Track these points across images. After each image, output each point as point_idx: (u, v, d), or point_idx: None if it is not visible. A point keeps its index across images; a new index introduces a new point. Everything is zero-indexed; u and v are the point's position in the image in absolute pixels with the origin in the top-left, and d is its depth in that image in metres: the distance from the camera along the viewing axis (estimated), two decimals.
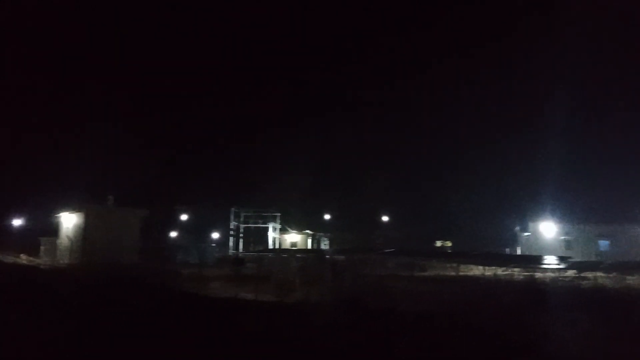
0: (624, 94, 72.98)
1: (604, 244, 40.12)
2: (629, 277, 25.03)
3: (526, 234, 42.40)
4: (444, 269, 30.81)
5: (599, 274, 26.46)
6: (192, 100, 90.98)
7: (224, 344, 9.24)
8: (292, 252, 36.78)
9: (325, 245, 51.68)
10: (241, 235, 46.08)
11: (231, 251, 43.68)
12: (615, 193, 47.40)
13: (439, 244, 49.27)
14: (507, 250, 42.36)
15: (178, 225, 50.69)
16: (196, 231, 48.79)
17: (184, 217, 51.09)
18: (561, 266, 28.88)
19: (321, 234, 52.60)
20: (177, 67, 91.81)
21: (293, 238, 50.45)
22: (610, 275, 25.87)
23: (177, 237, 49.40)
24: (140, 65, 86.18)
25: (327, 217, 56.52)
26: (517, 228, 43.45)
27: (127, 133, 65.13)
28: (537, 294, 18.12)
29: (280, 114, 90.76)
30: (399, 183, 64.93)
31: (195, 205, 51.55)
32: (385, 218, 55.31)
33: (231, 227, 45.66)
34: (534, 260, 31.41)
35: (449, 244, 49.03)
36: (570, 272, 27.50)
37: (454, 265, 30.20)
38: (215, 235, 53.43)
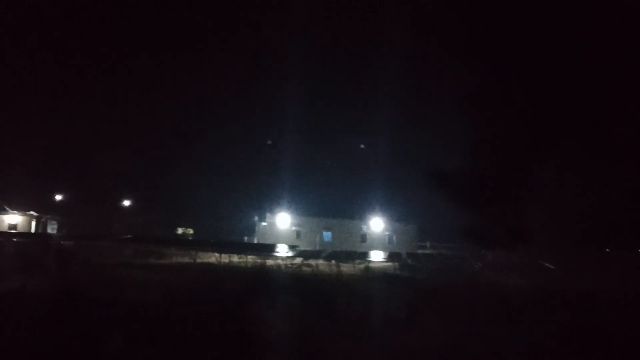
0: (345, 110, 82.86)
1: (327, 235, 45.45)
2: (342, 265, 28.80)
3: (264, 223, 45.10)
4: (183, 257, 30.50)
5: (320, 261, 29.62)
6: None
7: None
8: (8, 236, 31.94)
9: (53, 229, 46.10)
10: None
11: None
12: (337, 192, 54.00)
13: (180, 231, 48.70)
14: (246, 238, 44.42)
15: None
16: None
17: None
18: (290, 254, 31.48)
19: (49, 216, 46.60)
20: None
21: (13, 219, 43.59)
22: (330, 262, 29.32)
23: None
24: None
25: (58, 197, 50.15)
26: (256, 218, 45.94)
27: None
28: (264, 280, 19.26)
29: None
30: (141, 166, 61.74)
31: None
32: (126, 202, 52.00)
33: None
34: (268, 249, 33.49)
35: (190, 231, 48.87)
36: (298, 260, 30.16)
37: (192, 252, 30.10)
38: None
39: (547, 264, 27.14)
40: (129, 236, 33.49)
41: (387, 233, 47.36)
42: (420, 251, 42.06)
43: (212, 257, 29.83)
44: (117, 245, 30.62)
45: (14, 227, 43.26)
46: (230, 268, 25.27)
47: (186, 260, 29.20)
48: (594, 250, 25.48)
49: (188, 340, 8.40)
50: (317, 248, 40.11)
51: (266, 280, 18.80)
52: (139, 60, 71.25)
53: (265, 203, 45.84)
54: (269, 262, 29.18)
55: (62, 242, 29.50)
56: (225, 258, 28.97)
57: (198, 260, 28.62)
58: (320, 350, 8.13)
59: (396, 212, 47.63)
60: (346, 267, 27.91)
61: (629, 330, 10.77)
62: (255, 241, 42.83)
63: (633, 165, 12.94)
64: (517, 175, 12.61)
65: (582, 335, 10.23)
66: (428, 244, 46.52)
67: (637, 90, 10.81)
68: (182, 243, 37.74)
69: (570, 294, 16.68)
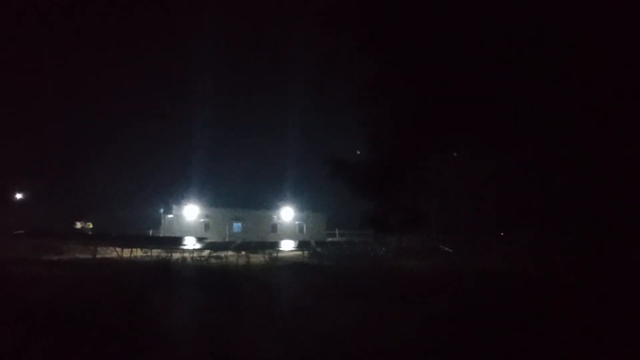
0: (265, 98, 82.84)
1: (237, 226, 44.95)
2: (252, 255, 28.80)
3: (170, 216, 43.65)
4: (81, 252, 28.85)
5: (229, 253, 29.37)
6: None
7: None
8: None
9: None
10: None
11: None
12: (247, 182, 53.59)
13: (79, 225, 45.76)
14: (151, 232, 42.69)
15: None
16: None
17: None
18: (198, 246, 30.86)
19: None
20: None
21: None
22: (239, 254, 29.16)
23: None
24: None
25: None
26: (161, 210, 44.35)
27: None
28: (169, 274, 18.77)
29: None
30: (39, 157, 57.27)
31: None
32: (19, 195, 48.01)
33: None
34: (174, 242, 32.53)
35: (90, 225, 46.13)
36: (206, 252, 29.67)
37: (92, 247, 28.55)
38: None
39: (446, 248, 28.97)
40: (23, 231, 30.96)
41: (297, 222, 47.83)
42: (329, 239, 42.98)
43: (114, 252, 28.51)
44: (10, 240, 28.27)
45: None
46: (132, 263, 24.30)
47: (85, 255, 27.65)
48: (489, 233, 27.49)
49: (82, 338, 8.04)
50: (227, 239, 39.62)
51: (171, 275, 18.35)
52: (44, 49, 66.07)
53: (172, 194, 44.41)
54: (175, 255, 28.45)
55: None
56: (127, 253, 27.80)
57: (98, 256, 27.22)
58: (223, 339, 8.14)
59: (306, 201, 48.29)
60: (256, 258, 27.95)
61: (516, 304, 11.90)
62: (161, 234, 41.29)
63: (525, 153, 14.12)
64: (414, 163, 13.30)
65: (472, 309, 11.15)
66: (337, 232, 47.59)
67: (532, 81, 11.57)
68: (81, 237, 35.60)
69: (464, 274, 18.02)
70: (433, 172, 14.60)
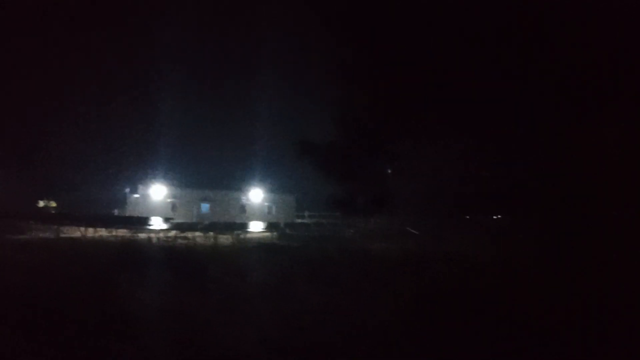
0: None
1: (205, 206, 44.50)
2: (220, 236, 28.59)
3: (136, 195, 42.84)
4: (45, 231, 28.11)
5: (197, 233, 29.08)
6: None
7: None
8: None
9: None
10: None
11: None
12: (216, 162, 53.02)
13: (42, 204, 44.47)
14: (116, 211, 41.87)
15: None
16: None
17: None
18: (165, 227, 30.45)
19: None
20: None
21: None
22: (207, 235, 28.89)
23: None
24: None
25: None
26: (127, 190, 43.47)
27: None
28: (135, 254, 18.49)
29: None
30: None
31: None
32: None
33: None
34: (140, 222, 32.02)
35: (53, 204, 44.88)
36: (173, 233, 29.29)
37: (55, 227, 27.83)
38: None
39: (413, 230, 29.41)
40: None
41: (266, 204, 47.72)
42: (298, 221, 43.10)
43: (78, 232, 27.86)
44: None
45: None
46: (97, 243, 23.82)
47: (48, 235, 26.95)
48: (456, 217, 28.09)
49: (42, 321, 7.84)
50: (195, 220, 39.23)
51: (136, 255, 18.08)
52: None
53: (138, 174, 43.51)
54: (141, 235, 28.02)
55: None
56: (92, 232, 27.22)
57: (62, 235, 26.55)
58: (187, 321, 8.07)
59: (276, 183, 48.15)
60: (224, 239, 27.76)
61: (479, 283, 12.24)
62: (127, 214, 40.52)
63: (490, 139, 14.38)
64: (381, 146, 13.39)
65: (436, 289, 11.44)
66: (306, 214, 47.74)
67: (497, 68, 11.77)
68: (44, 216, 34.67)
69: (430, 256, 18.36)
70: (401, 155, 14.74)
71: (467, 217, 29.30)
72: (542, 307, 9.35)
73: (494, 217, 29.11)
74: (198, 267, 14.77)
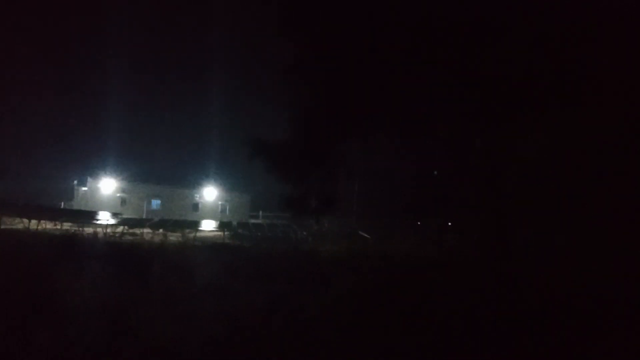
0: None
1: (156, 203, 43.51)
2: (170, 234, 28.14)
3: (84, 188, 41.45)
4: None
5: (146, 230, 28.48)
6: None
7: None
8: None
9: None
10: None
11: None
12: (170, 159, 51.99)
13: None
14: (63, 204, 40.35)
15: None
16: None
17: None
18: (113, 222, 29.68)
19: None
20: None
21: None
22: (156, 232, 28.35)
23: None
24: None
25: None
26: (75, 182, 41.99)
27: None
28: (78, 249, 17.97)
29: None
30: None
31: None
32: None
33: None
34: (87, 216, 31.08)
35: None
36: (121, 228, 28.58)
37: None
38: None
39: (363, 233, 29.83)
40: None
41: (220, 202, 47.16)
42: (252, 221, 42.83)
43: (20, 223, 26.77)
44: None
45: None
46: (40, 235, 22.96)
47: None
48: (406, 221, 28.77)
49: None
50: (145, 216, 38.35)
51: (80, 249, 17.55)
52: None
53: (87, 166, 42.07)
54: (88, 230, 27.19)
55: None
56: (36, 225, 26.19)
57: (3, 227, 25.43)
58: (124, 316, 7.95)
59: (230, 182, 47.67)
60: (174, 237, 27.31)
61: (417, 282, 12.71)
62: (74, 207, 39.13)
63: (441, 145, 14.78)
64: (332, 147, 13.56)
65: (379, 287, 11.79)
66: (260, 214, 47.52)
67: (452, 72, 12.06)
68: None
69: (375, 257, 18.79)
70: (352, 157, 14.99)
71: (418, 222, 30.01)
72: (463, 303, 9.89)
73: (439, 221, 30.05)
74: (142, 263, 14.51)
